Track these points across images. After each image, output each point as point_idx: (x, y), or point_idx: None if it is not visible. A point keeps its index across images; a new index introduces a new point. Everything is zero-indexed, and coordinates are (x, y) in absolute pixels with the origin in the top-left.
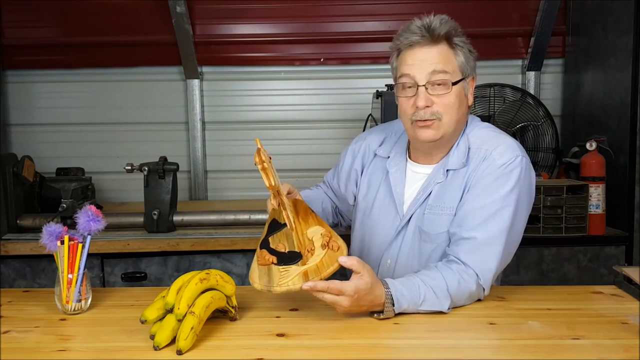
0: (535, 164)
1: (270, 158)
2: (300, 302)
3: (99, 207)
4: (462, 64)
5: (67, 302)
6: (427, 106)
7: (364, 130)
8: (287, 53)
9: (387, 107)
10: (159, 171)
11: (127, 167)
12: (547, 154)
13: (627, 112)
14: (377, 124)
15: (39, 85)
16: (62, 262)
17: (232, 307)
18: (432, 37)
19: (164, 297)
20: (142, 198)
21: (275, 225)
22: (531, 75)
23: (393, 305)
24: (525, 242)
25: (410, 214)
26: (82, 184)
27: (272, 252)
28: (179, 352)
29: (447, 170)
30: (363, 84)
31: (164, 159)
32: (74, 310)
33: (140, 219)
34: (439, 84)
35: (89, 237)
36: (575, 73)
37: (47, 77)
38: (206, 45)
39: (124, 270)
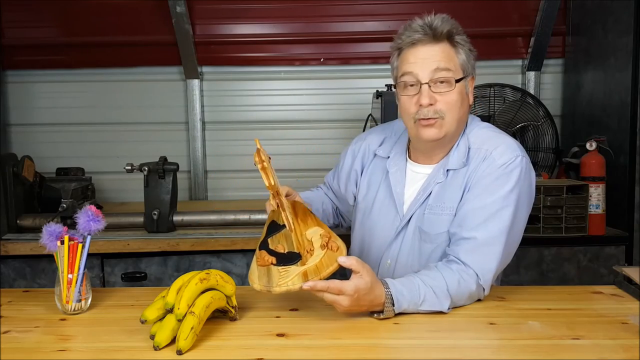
0: (535, 164)
1: (270, 158)
2: (300, 302)
3: (99, 207)
4: (463, 62)
5: (67, 302)
6: (431, 104)
7: (364, 130)
8: (287, 53)
9: (387, 107)
10: (159, 171)
11: (127, 167)
12: (547, 154)
13: (627, 112)
14: (377, 124)
15: (39, 85)
16: (62, 262)
17: (232, 307)
18: (434, 35)
19: (164, 297)
20: (142, 198)
21: (274, 227)
22: (531, 75)
23: (393, 305)
24: (525, 242)
25: (410, 214)
26: (82, 184)
27: (272, 253)
28: (179, 352)
29: (447, 170)
30: (363, 84)
31: (164, 159)
32: (74, 310)
33: (140, 219)
34: (441, 82)
35: (89, 237)
36: (575, 73)
37: (47, 77)
38: (206, 45)
39: (124, 270)
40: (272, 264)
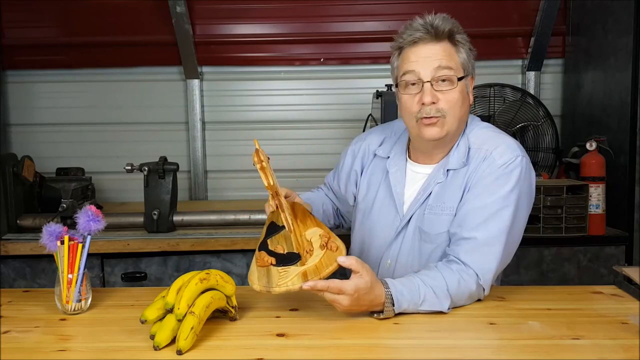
0: (535, 164)
1: (269, 158)
2: (300, 302)
3: (99, 207)
4: (464, 61)
5: (67, 302)
6: (433, 102)
7: (364, 130)
8: (287, 53)
9: (387, 107)
10: (159, 171)
11: (127, 167)
12: (547, 154)
13: (627, 112)
14: (377, 124)
15: (39, 85)
16: (62, 262)
17: (232, 307)
18: (435, 34)
19: (164, 297)
20: (142, 198)
21: (274, 228)
22: (531, 75)
23: (393, 305)
24: (525, 242)
25: (410, 214)
26: (82, 184)
27: (271, 253)
28: (179, 352)
29: (448, 170)
30: (363, 84)
31: (164, 159)
32: (74, 310)
33: (140, 219)
34: (443, 80)
35: (89, 237)
36: (575, 73)
37: (47, 77)
38: (206, 45)
39: (124, 270)
40: (271, 264)
